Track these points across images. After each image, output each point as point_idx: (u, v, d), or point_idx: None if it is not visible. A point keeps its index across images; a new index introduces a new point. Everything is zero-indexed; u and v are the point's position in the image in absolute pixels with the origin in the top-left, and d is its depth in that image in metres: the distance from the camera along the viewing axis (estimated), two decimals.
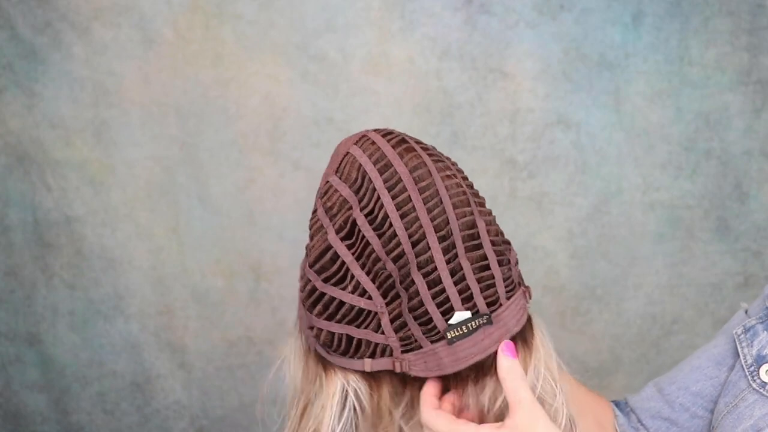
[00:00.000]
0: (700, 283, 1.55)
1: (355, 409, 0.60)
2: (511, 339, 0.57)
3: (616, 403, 0.75)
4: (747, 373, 0.62)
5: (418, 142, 0.60)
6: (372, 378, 0.60)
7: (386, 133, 0.60)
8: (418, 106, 1.47)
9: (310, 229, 0.61)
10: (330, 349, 0.59)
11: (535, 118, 1.47)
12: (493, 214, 0.66)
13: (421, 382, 0.59)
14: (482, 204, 0.61)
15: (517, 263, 0.62)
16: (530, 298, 0.60)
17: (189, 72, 1.48)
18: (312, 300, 0.59)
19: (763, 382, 0.61)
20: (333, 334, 0.58)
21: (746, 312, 0.70)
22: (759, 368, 0.61)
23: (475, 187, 0.63)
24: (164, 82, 1.48)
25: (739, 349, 0.64)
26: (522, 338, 0.60)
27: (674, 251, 1.53)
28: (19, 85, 1.50)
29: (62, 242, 1.58)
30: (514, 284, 0.59)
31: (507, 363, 0.55)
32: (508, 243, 0.62)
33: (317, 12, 1.43)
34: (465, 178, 0.61)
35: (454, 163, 0.62)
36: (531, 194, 1.51)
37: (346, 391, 0.60)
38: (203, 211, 1.55)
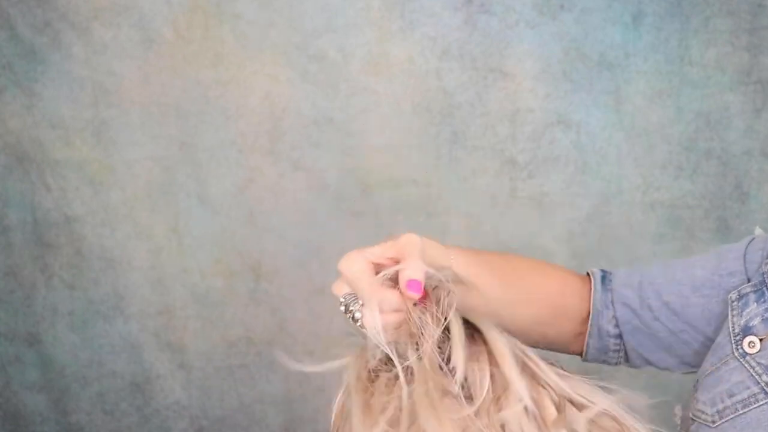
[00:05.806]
0: None
1: None
2: None
3: (603, 275, 0.76)
4: (732, 341, 0.65)
5: None
6: None
7: None
8: (418, 105, 1.47)
9: None
10: None
11: (535, 118, 1.47)
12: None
13: None
14: None
15: None
16: None
17: (189, 72, 1.47)
18: None
19: (745, 352, 0.63)
20: None
21: (749, 244, 0.69)
22: (743, 339, 0.64)
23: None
24: (164, 82, 1.48)
25: (730, 316, 0.66)
26: None
27: (674, 251, 1.53)
28: (19, 85, 1.50)
29: (62, 242, 1.58)
30: None
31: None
32: None
33: (317, 12, 1.43)
34: None
35: None
36: (531, 194, 1.50)
37: None
38: (203, 211, 1.55)
